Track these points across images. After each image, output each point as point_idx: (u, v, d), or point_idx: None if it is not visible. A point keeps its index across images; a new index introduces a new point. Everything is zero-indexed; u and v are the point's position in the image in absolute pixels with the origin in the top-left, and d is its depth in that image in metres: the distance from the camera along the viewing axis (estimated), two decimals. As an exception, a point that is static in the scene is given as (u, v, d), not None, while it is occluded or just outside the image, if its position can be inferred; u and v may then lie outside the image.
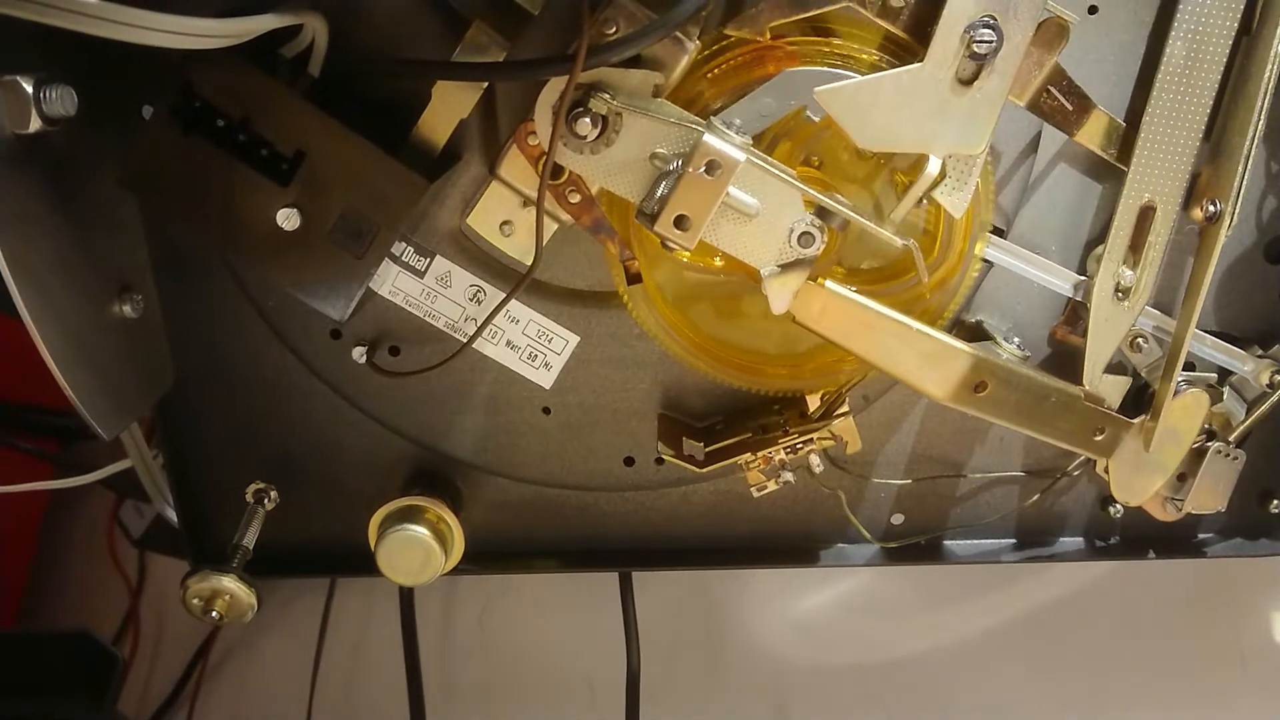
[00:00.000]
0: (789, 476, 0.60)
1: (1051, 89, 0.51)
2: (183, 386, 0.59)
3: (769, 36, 0.49)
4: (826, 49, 0.50)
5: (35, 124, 0.43)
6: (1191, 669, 0.89)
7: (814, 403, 0.59)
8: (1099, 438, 0.57)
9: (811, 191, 0.47)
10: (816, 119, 0.49)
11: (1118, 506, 0.65)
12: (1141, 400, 0.59)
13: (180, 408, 0.60)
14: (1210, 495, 0.62)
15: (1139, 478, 0.59)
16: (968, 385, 0.54)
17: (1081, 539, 0.67)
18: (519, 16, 0.50)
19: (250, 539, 0.59)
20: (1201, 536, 0.68)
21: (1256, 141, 0.52)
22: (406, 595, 0.71)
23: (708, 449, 0.59)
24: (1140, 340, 0.58)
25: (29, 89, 0.43)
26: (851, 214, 0.47)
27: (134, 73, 0.50)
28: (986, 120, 0.47)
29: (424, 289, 0.57)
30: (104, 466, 0.66)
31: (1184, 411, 0.58)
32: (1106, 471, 0.60)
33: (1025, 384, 0.55)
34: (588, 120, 0.46)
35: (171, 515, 0.64)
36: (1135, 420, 0.57)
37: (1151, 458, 0.58)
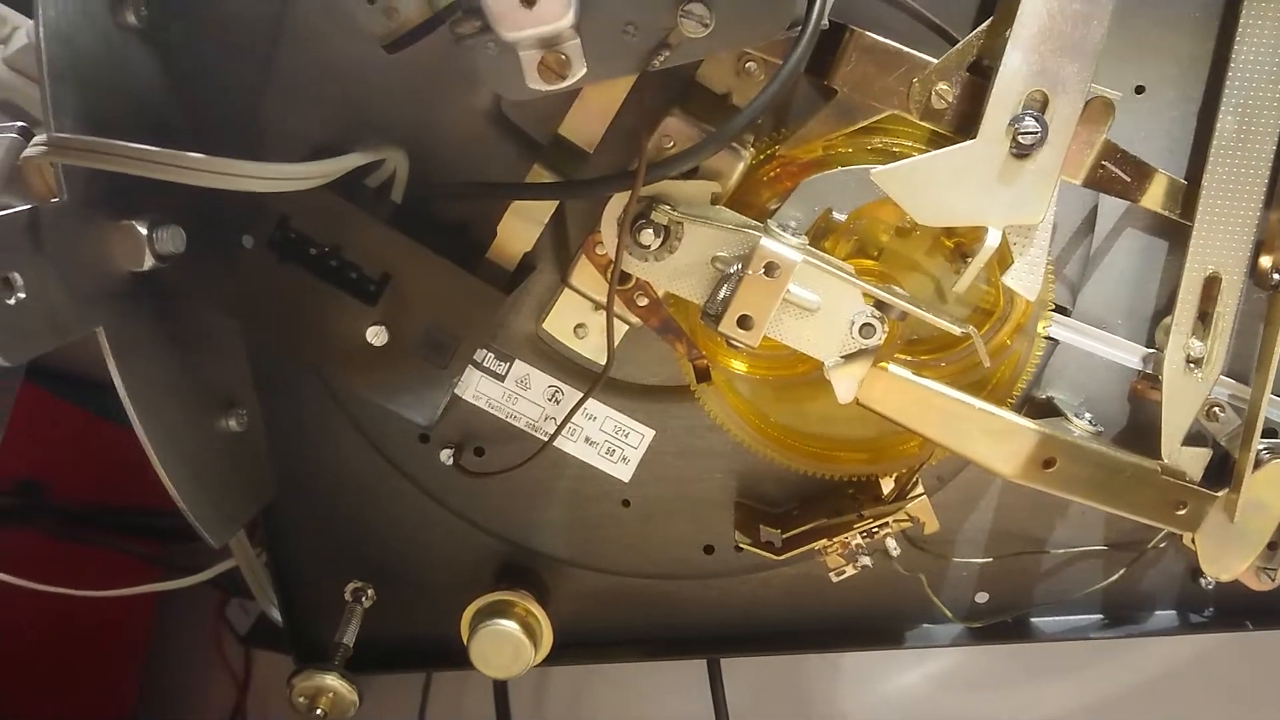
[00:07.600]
0: (866, 561, 0.60)
1: (1106, 164, 0.52)
2: (284, 492, 0.62)
3: (821, 150, 0.51)
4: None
5: (149, 262, 0.47)
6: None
7: (888, 485, 0.59)
8: (1182, 512, 0.56)
9: (868, 286, 0.48)
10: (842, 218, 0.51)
11: (1208, 579, 0.64)
12: (1225, 471, 0.58)
13: (282, 512, 0.63)
14: (1305, 563, 0.61)
15: (1228, 552, 0.58)
16: (1036, 462, 0.54)
17: (1174, 612, 0.66)
18: (576, 155, 0.53)
19: (350, 636, 0.62)
20: (1299, 606, 0.66)
21: (1319, 207, 0.53)
22: (500, 686, 0.72)
23: (785, 535, 0.60)
24: (1217, 409, 0.58)
25: (143, 231, 0.47)
26: (908, 306, 0.49)
27: (235, 208, 0.53)
28: (1044, 190, 0.48)
29: (505, 392, 0.60)
30: (210, 566, 0.70)
31: (1268, 481, 0.57)
32: (1194, 544, 0.59)
33: (1096, 459, 0.55)
34: (650, 231, 0.49)
35: (275, 614, 0.67)
36: (1219, 493, 0.57)
37: (1239, 530, 0.57)
